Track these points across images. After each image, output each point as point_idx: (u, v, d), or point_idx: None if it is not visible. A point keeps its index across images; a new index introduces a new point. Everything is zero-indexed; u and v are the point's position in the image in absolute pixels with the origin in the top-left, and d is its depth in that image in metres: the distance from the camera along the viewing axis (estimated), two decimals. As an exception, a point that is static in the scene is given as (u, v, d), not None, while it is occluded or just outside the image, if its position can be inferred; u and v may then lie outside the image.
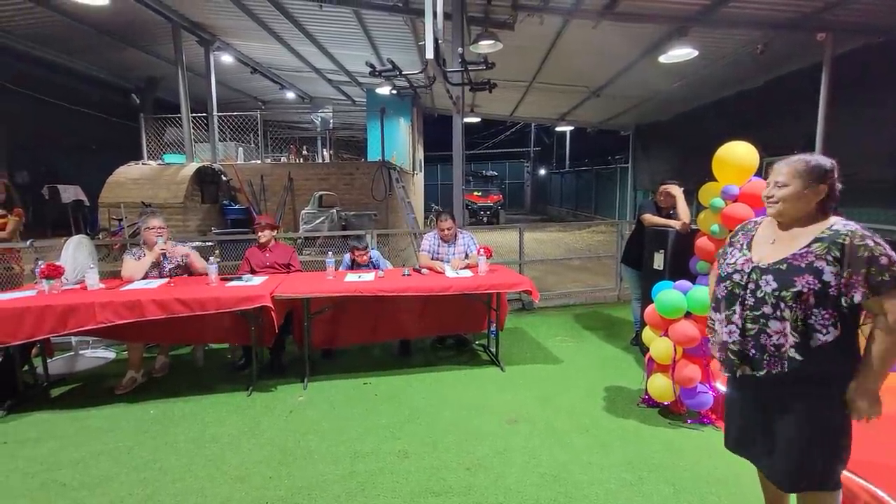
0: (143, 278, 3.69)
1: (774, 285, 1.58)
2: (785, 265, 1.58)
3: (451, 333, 4.55)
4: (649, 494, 2.34)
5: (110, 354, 4.35)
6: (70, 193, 8.91)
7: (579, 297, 6.35)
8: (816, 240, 1.57)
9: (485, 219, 18.46)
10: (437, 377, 3.83)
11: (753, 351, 1.63)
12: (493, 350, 4.22)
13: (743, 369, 1.66)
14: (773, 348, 1.58)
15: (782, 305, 1.55)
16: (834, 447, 1.61)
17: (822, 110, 5.77)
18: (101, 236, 6.88)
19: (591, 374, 3.86)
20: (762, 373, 1.61)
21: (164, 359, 3.96)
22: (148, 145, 9.05)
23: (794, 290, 1.53)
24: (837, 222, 1.58)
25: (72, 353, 4.22)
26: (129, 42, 8.34)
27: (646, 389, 3.23)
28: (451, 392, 3.54)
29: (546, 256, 7.87)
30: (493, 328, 4.27)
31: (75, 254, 3.73)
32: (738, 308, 1.66)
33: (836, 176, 1.62)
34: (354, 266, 4.32)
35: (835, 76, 5.70)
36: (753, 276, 1.64)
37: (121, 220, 6.85)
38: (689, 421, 3.02)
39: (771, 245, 1.67)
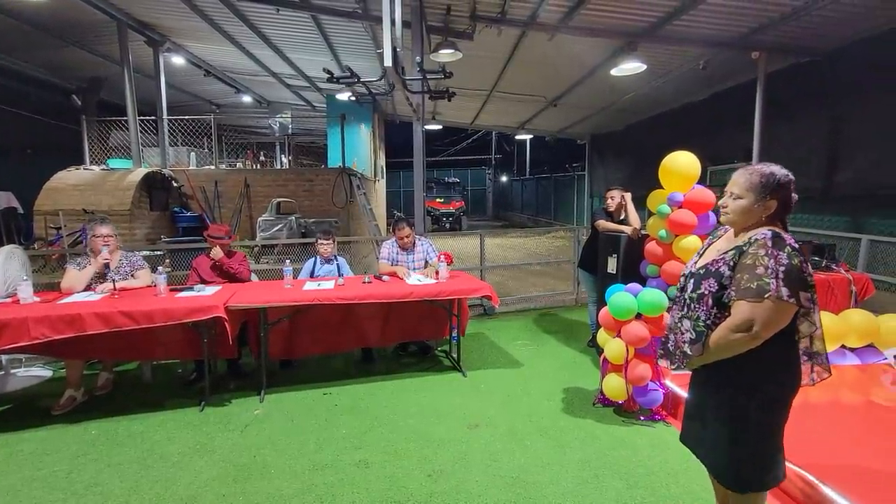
0: (86, 290, 3.48)
1: (691, 288, 1.69)
2: (703, 270, 1.67)
3: (413, 340, 4.54)
4: (604, 491, 2.42)
5: (47, 373, 4.05)
6: (1, 200, 8.26)
7: (539, 301, 6.49)
8: (735, 247, 1.61)
9: (447, 225, 18.55)
10: (399, 385, 3.81)
11: (671, 346, 1.76)
12: (455, 356, 4.24)
13: (664, 361, 1.79)
14: (680, 344, 1.70)
15: (693, 306, 1.67)
16: (751, 451, 1.60)
17: (757, 123, 6.19)
18: (36, 246, 6.41)
19: (550, 376, 3.95)
20: (675, 366, 1.73)
21: (107, 375, 3.74)
22: (91, 149, 8.53)
23: (699, 292, 1.65)
24: (759, 231, 1.59)
25: (2, 372, 3.90)
26: (70, 40, 7.85)
27: (601, 389, 3.33)
28: (413, 399, 3.53)
29: (507, 262, 8.00)
30: (454, 334, 4.29)
31: (5, 265, 3.48)
32: (673, 308, 1.79)
33: (790, 189, 1.61)
34: (318, 263, 4.28)
35: (768, 92, 6.14)
36: (683, 280, 1.77)
37: (59, 228, 6.40)
38: (641, 418, 3.14)
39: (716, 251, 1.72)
